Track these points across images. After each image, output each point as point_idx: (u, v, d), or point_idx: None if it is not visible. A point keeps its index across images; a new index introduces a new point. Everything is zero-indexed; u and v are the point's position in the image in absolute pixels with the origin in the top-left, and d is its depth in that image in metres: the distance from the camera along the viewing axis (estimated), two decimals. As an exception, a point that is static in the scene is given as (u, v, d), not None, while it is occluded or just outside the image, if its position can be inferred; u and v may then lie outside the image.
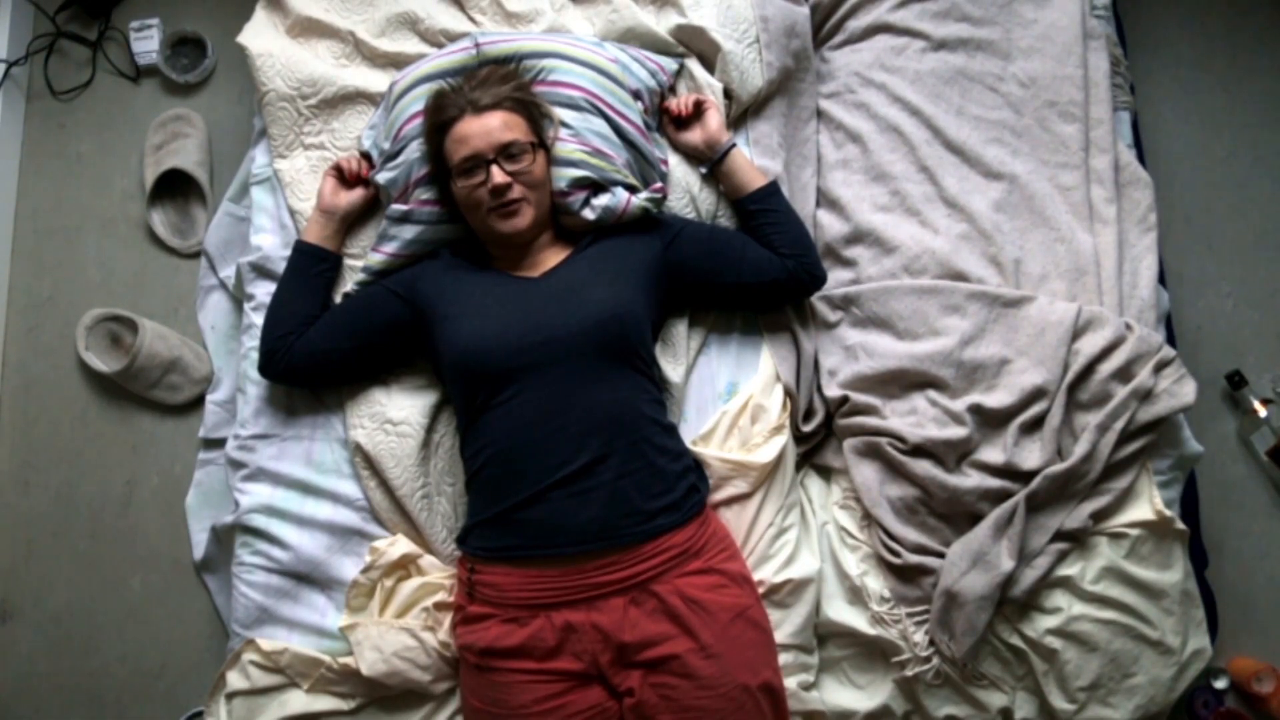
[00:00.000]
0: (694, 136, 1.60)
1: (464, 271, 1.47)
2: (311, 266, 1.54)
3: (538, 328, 1.36)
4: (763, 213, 1.54)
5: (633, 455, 1.34)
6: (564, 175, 1.47)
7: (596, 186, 1.50)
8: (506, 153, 1.40)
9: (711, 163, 1.59)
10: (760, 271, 1.50)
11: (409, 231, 1.53)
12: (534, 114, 1.47)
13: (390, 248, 1.54)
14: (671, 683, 1.28)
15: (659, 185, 1.54)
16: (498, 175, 1.39)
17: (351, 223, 1.62)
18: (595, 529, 1.30)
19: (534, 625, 1.31)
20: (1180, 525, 1.50)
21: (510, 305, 1.40)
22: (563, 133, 1.50)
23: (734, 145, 1.57)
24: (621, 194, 1.49)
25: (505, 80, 1.46)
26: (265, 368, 1.51)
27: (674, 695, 1.28)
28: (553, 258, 1.48)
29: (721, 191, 1.63)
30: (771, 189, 1.56)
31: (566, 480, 1.31)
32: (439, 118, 1.45)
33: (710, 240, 1.52)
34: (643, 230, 1.51)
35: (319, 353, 1.48)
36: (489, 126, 1.40)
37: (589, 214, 1.49)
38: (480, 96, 1.42)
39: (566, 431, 1.32)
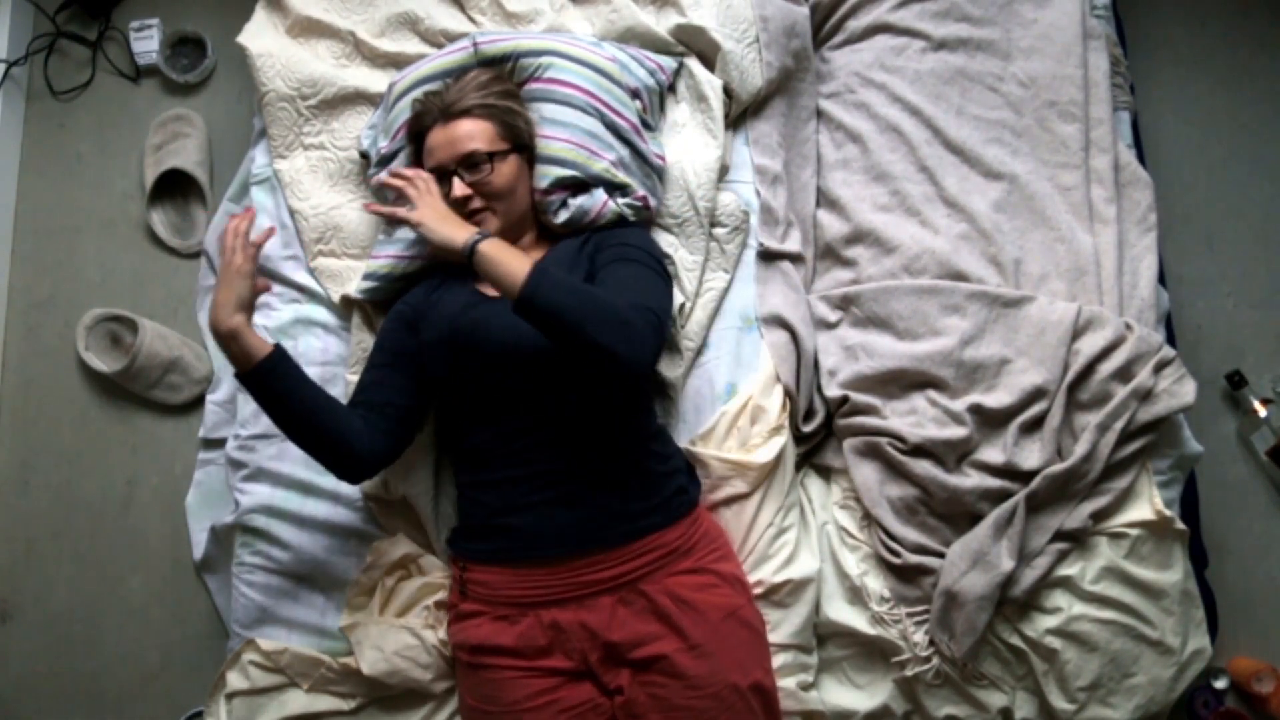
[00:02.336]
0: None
1: (445, 291, 1.45)
2: (280, 376, 1.27)
3: (517, 349, 1.33)
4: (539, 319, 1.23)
5: (618, 461, 1.34)
6: (547, 174, 1.47)
7: (579, 187, 1.49)
8: (468, 163, 1.40)
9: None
10: None
11: (408, 232, 1.53)
12: (505, 119, 1.44)
13: (393, 249, 1.54)
14: (660, 682, 1.28)
15: (642, 195, 1.51)
16: (457, 188, 1.39)
17: (353, 224, 1.63)
18: (578, 532, 1.31)
19: (524, 624, 1.31)
20: (1180, 525, 1.50)
21: (487, 328, 1.38)
22: (553, 130, 1.49)
23: (479, 241, 1.26)
24: (599, 195, 1.48)
25: (482, 86, 1.44)
26: (358, 478, 1.38)
27: (663, 695, 1.28)
28: None
29: (721, 188, 1.63)
30: (518, 306, 1.22)
31: (549, 484, 1.31)
32: (416, 126, 1.47)
33: (601, 276, 1.36)
34: (612, 237, 1.45)
35: (400, 426, 1.38)
36: (453, 137, 1.40)
37: (561, 215, 1.47)
38: (451, 103, 1.42)
39: (551, 442, 1.32)
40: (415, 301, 1.47)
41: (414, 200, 1.37)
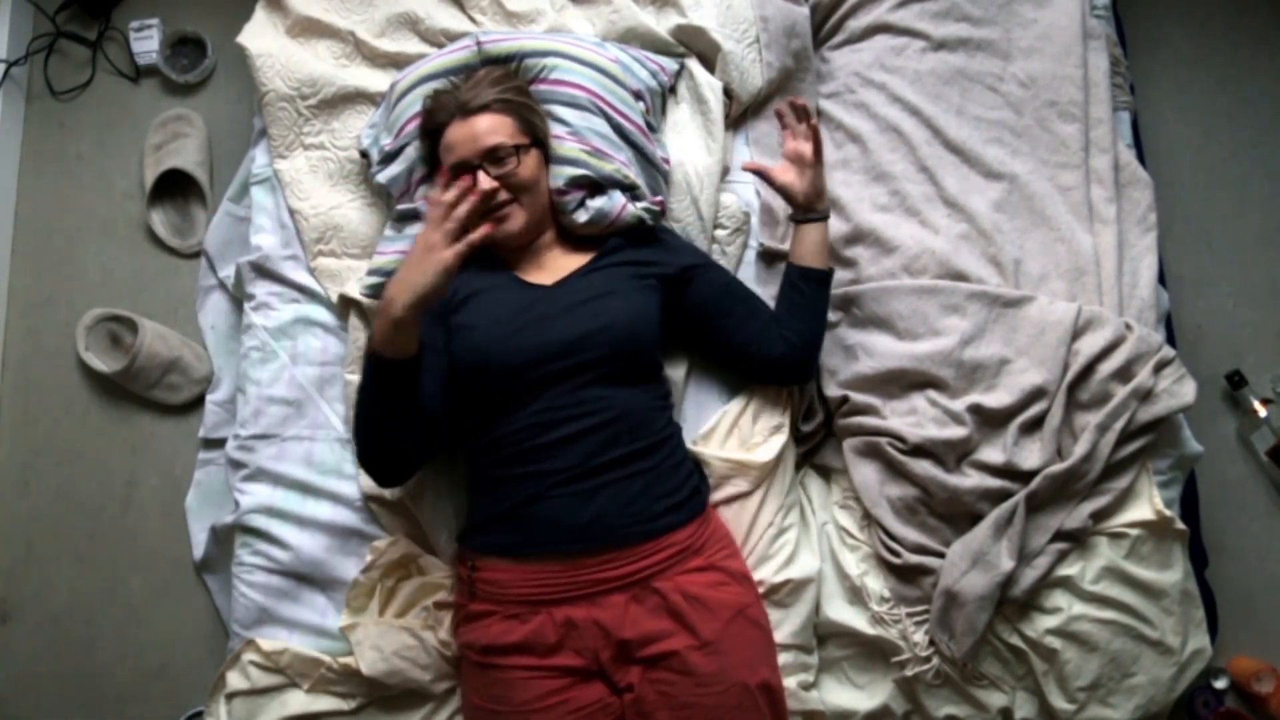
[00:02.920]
0: (795, 181, 1.48)
1: (477, 276, 1.44)
2: (414, 376, 1.29)
3: (554, 340, 1.34)
4: (800, 292, 1.49)
5: (640, 458, 1.34)
6: (561, 173, 1.47)
7: (594, 187, 1.49)
8: (492, 157, 1.40)
9: (799, 217, 1.50)
10: (754, 344, 1.48)
11: (416, 229, 1.53)
12: (524, 114, 1.45)
13: (400, 245, 1.54)
14: (670, 679, 1.28)
15: (659, 199, 1.52)
16: (484, 181, 1.38)
17: (353, 224, 1.63)
18: (598, 528, 1.30)
19: (535, 622, 1.31)
20: (1180, 525, 1.50)
21: (525, 314, 1.38)
22: (562, 131, 1.50)
23: (827, 216, 1.51)
24: (618, 198, 1.48)
25: (497, 82, 1.45)
26: (399, 484, 1.41)
27: (672, 692, 1.28)
28: (563, 261, 1.47)
29: (721, 188, 1.63)
30: (824, 277, 1.50)
31: (572, 480, 1.31)
32: (431, 122, 1.47)
33: (724, 292, 1.49)
34: (667, 248, 1.50)
35: (437, 436, 1.37)
36: (475, 131, 1.40)
37: (582, 215, 1.47)
38: (469, 99, 1.42)
39: (576, 435, 1.32)
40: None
41: (809, 137, 1.47)
